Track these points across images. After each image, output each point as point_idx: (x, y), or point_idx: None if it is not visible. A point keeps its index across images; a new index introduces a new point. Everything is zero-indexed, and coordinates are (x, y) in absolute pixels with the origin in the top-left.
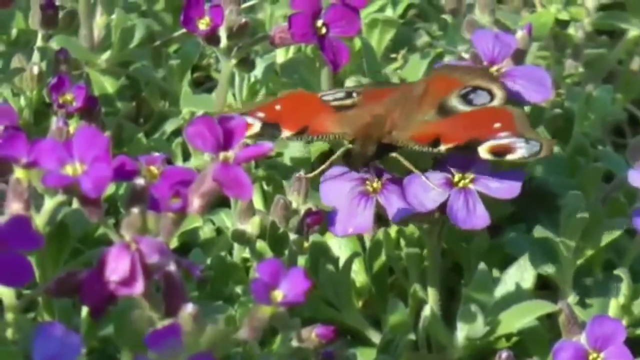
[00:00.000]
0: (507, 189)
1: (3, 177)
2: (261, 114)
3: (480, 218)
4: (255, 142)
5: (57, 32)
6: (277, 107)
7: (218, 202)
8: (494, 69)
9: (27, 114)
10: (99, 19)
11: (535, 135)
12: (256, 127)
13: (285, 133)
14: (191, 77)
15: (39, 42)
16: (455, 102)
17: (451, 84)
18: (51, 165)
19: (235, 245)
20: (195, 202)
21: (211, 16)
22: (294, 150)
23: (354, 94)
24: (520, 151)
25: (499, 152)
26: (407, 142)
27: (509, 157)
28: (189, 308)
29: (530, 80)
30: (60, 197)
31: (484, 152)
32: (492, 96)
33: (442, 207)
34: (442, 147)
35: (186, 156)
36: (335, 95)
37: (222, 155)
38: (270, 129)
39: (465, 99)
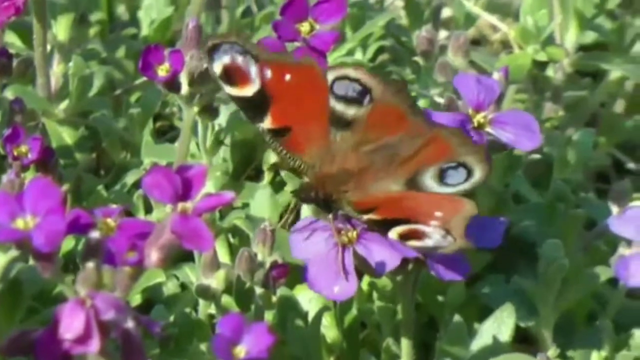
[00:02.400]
0: (488, 238)
1: None
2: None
3: (461, 269)
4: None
5: (12, 81)
6: (287, 77)
7: (183, 256)
8: (481, 115)
9: None
10: (56, 67)
11: (459, 234)
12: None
13: (266, 123)
14: (154, 126)
15: None
16: (427, 179)
17: (441, 152)
18: (1, 219)
19: (201, 301)
20: (153, 255)
21: (171, 62)
22: (260, 200)
23: (365, 101)
24: (427, 241)
25: (407, 235)
26: (345, 205)
27: (413, 242)
28: None
29: (520, 127)
30: (14, 253)
31: (394, 232)
32: (469, 175)
33: (418, 259)
34: (365, 217)
35: (148, 208)
36: (348, 90)
37: (180, 206)
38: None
39: (441, 175)
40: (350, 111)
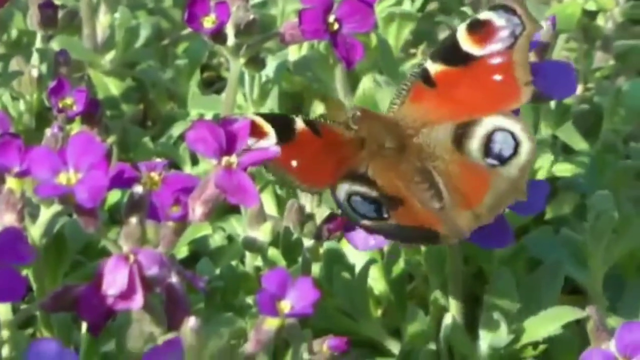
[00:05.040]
0: (529, 204)
1: None
2: None
3: (503, 238)
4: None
5: (59, 32)
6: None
7: (229, 208)
8: None
9: (28, 119)
10: (103, 18)
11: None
12: None
13: (433, 68)
14: (201, 77)
15: (38, 44)
16: None
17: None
18: (44, 175)
19: (247, 254)
20: (197, 210)
21: (217, 13)
22: None
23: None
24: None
25: None
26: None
27: None
28: (190, 322)
29: (554, 76)
30: (57, 207)
31: None
32: None
33: None
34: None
35: (195, 160)
36: (500, 144)
37: (224, 160)
38: None
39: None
40: (474, 147)
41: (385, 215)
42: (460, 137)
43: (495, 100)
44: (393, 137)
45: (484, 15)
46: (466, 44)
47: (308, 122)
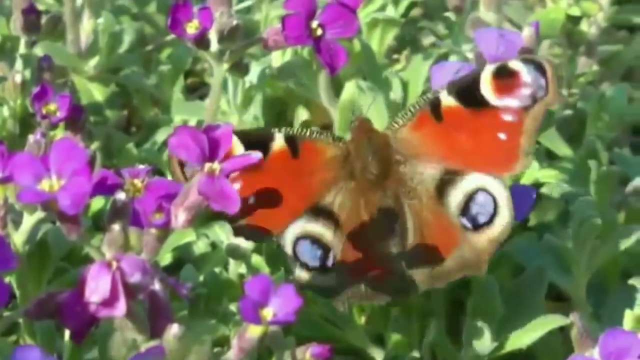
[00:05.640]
0: (516, 210)
1: None
2: None
3: None
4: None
5: (42, 37)
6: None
7: (213, 214)
8: None
9: (11, 125)
10: (86, 24)
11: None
12: None
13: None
14: (185, 82)
15: (22, 49)
16: None
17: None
18: (26, 181)
19: (231, 261)
20: (180, 217)
21: (200, 19)
22: None
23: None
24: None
25: None
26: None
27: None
28: (173, 329)
29: None
30: (40, 214)
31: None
32: None
33: None
34: None
35: None
36: (479, 208)
37: (207, 166)
38: None
39: None
40: (454, 200)
41: (329, 264)
42: (444, 184)
43: (491, 158)
44: (380, 158)
45: (514, 64)
46: (486, 87)
47: (289, 138)
